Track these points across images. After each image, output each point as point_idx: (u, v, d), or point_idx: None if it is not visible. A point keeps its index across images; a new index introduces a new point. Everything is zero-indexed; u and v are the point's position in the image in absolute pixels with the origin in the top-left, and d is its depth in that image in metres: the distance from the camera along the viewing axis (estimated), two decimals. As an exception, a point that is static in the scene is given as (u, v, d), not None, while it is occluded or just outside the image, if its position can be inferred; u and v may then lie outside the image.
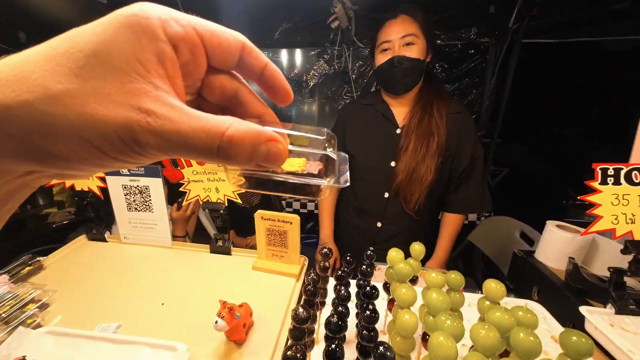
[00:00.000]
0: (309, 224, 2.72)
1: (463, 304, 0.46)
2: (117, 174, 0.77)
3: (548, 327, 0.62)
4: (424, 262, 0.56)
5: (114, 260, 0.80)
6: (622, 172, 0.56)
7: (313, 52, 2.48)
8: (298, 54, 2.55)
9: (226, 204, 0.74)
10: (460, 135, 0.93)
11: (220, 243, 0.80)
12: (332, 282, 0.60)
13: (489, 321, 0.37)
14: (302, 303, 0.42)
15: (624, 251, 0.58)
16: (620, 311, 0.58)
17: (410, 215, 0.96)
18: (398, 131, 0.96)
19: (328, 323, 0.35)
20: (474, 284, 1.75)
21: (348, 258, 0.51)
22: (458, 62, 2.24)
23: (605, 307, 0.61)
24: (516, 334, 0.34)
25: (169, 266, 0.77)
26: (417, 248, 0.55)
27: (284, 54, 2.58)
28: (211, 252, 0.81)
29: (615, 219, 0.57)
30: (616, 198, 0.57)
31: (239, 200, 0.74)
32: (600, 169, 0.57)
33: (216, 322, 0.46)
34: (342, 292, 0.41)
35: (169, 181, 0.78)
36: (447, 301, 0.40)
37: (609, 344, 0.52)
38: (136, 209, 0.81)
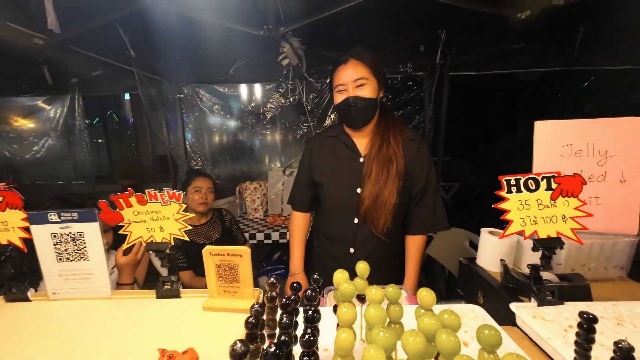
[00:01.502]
0: (275, 254, 2.65)
1: (402, 315, 0.49)
2: (45, 221, 0.70)
3: (488, 327, 0.67)
4: (390, 282, 0.58)
5: (38, 322, 0.70)
6: (521, 182, 0.67)
7: (269, 87, 2.60)
8: (254, 88, 2.65)
9: (172, 243, 0.71)
10: (416, 160, 1.03)
11: (167, 286, 0.75)
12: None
13: (420, 328, 0.41)
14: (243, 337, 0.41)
15: (533, 249, 0.67)
16: (541, 303, 0.66)
17: (380, 238, 1.02)
18: (361, 160, 1.03)
19: (265, 354, 0.35)
20: (437, 297, 1.81)
21: (294, 285, 0.52)
22: (400, 92, 2.51)
23: (530, 301, 0.69)
24: (439, 336, 0.37)
25: (106, 319, 0.69)
26: (362, 267, 0.58)
27: (240, 89, 2.65)
28: (158, 297, 0.75)
29: (523, 221, 0.67)
30: (520, 204, 0.67)
31: (186, 238, 0.71)
32: (504, 180, 0.68)
33: (153, 374, 0.43)
34: (285, 320, 0.41)
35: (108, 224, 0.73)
36: (382, 315, 0.43)
37: (533, 334, 0.58)
38: (68, 258, 0.74)
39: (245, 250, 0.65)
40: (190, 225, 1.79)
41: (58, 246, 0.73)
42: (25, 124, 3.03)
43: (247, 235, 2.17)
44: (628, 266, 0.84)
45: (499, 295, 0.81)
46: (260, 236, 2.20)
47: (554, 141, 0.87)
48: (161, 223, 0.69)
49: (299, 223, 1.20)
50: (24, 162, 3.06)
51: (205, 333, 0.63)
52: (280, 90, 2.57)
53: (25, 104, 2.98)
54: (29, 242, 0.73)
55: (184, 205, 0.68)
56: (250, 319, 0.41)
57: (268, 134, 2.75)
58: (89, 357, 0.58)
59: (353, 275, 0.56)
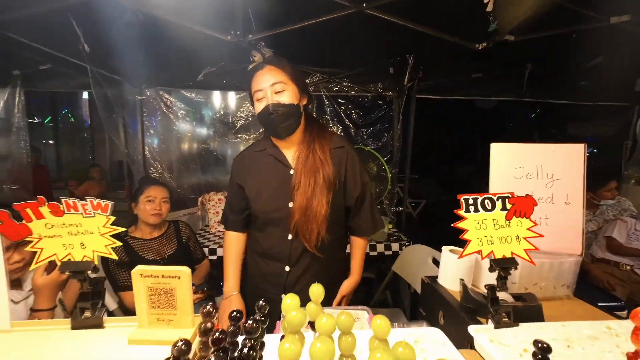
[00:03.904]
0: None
1: (355, 347, 0.44)
2: None
3: (447, 352, 0.64)
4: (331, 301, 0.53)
5: None
6: (479, 201, 0.67)
7: (239, 96, 2.53)
8: (224, 96, 2.57)
9: (96, 263, 0.60)
10: (346, 167, 1.01)
11: (87, 314, 0.62)
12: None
13: (371, 364, 0.36)
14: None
15: (490, 269, 0.67)
16: (497, 325, 0.65)
17: (314, 253, 0.96)
18: (291, 172, 0.98)
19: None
20: (402, 315, 1.80)
21: (234, 314, 0.45)
22: (370, 110, 2.58)
23: (487, 323, 0.67)
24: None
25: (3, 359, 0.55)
26: (316, 290, 0.52)
27: (209, 95, 2.55)
28: (73, 328, 0.62)
29: (480, 241, 0.66)
30: (478, 223, 0.67)
31: (114, 256, 0.61)
32: (463, 199, 0.67)
33: None
34: (212, 360, 0.34)
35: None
36: (331, 350, 0.38)
37: (490, 359, 0.56)
38: (-47, 281, 0.59)
39: (184, 272, 0.57)
40: (140, 238, 1.62)
41: (-60, 266, 0.58)
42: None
43: (206, 250, 2.01)
44: (573, 285, 0.87)
45: (459, 316, 0.79)
46: (221, 251, 2.05)
47: (508, 163, 0.91)
48: (82, 238, 0.58)
49: (232, 243, 1.10)
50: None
51: (126, 374, 0.52)
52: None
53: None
54: None
55: (112, 218, 0.58)
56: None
57: (237, 143, 2.65)
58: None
59: (290, 292, 0.50)
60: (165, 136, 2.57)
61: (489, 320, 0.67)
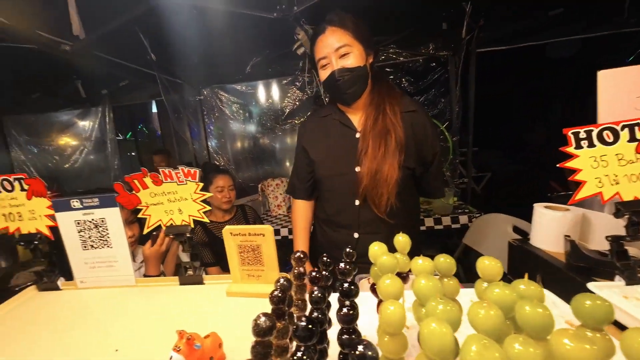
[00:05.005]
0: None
1: (458, 291, 0.40)
2: (68, 207, 0.69)
3: (560, 312, 0.55)
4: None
5: (68, 310, 0.68)
6: (594, 134, 0.55)
7: (285, 81, 2.57)
8: (271, 84, 2.64)
9: (192, 226, 0.67)
10: (417, 133, 0.93)
11: (190, 272, 0.71)
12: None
13: (489, 300, 0.32)
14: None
15: (616, 214, 0.54)
16: (630, 281, 0.53)
17: (384, 219, 0.92)
18: (357, 135, 0.94)
19: (295, 329, 0.28)
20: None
21: (325, 259, 0.45)
22: (422, 75, 2.36)
23: (613, 281, 0.56)
24: (521, 309, 0.28)
25: (129, 307, 0.66)
26: (402, 240, 0.49)
27: (257, 86, 2.66)
28: (181, 284, 0.72)
29: (599, 182, 0.54)
30: (595, 161, 0.55)
31: (206, 219, 0.67)
32: (571, 133, 0.56)
33: (171, 358, 0.38)
34: (316, 293, 0.34)
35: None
36: (437, 286, 0.34)
37: (628, 319, 0.46)
38: (92, 246, 0.72)
39: (268, 229, 0.59)
40: (215, 222, 1.80)
41: (82, 233, 0.72)
42: (63, 137, 3.26)
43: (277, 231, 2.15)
44: None
45: (565, 277, 0.68)
46: (284, 232, 2.16)
47: (624, 92, 0.72)
48: (179, 204, 0.65)
49: (301, 211, 1.10)
50: (64, 172, 3.29)
51: (229, 319, 0.58)
52: (297, 83, 2.53)
53: (62, 119, 3.20)
54: (55, 231, 0.73)
55: (201, 184, 0.64)
56: (276, 292, 0.35)
57: (287, 129, 2.72)
58: (113, 343, 0.55)
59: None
60: (224, 131, 2.79)
61: (617, 278, 0.55)
